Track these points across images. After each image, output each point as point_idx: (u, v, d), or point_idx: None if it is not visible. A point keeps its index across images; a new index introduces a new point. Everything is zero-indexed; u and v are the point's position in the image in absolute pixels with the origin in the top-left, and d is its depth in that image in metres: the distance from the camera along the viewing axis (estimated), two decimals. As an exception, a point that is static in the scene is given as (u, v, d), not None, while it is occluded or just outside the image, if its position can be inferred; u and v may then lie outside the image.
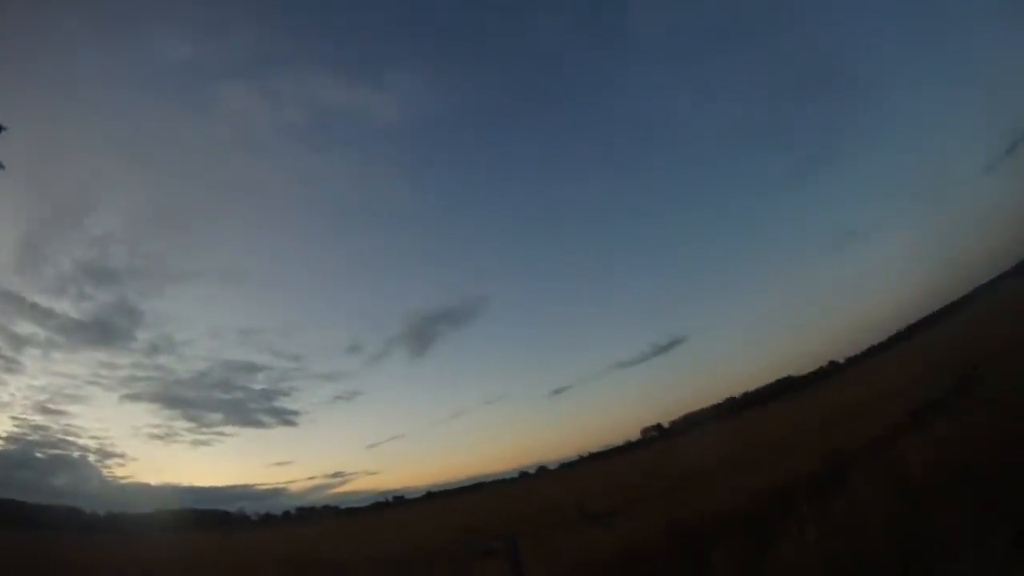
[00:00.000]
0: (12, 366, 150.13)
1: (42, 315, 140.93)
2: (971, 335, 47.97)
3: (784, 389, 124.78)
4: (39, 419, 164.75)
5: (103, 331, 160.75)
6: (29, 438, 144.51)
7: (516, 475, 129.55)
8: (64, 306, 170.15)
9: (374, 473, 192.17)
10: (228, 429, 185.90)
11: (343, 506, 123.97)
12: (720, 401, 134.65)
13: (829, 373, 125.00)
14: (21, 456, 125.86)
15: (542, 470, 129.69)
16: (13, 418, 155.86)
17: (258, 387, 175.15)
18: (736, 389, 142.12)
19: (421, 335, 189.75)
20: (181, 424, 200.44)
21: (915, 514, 5.85)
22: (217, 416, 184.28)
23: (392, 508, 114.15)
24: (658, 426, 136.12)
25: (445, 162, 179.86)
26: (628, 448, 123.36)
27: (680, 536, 12.60)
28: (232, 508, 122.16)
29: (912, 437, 12.37)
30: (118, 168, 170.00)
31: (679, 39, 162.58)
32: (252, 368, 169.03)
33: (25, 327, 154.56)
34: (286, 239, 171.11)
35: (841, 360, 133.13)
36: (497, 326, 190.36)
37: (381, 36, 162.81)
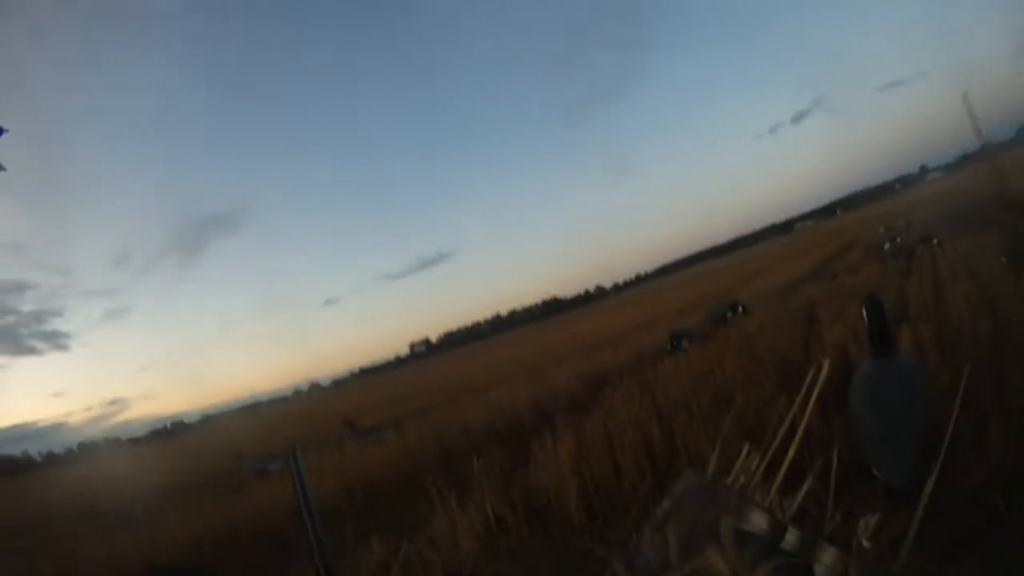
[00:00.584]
0: None
1: None
2: (737, 277, 54.49)
3: (550, 310, 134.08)
4: None
5: None
6: None
7: (290, 393, 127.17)
8: None
9: (151, 397, 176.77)
10: (2, 360, 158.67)
11: (124, 437, 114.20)
12: (488, 318, 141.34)
13: (596, 298, 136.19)
14: None
15: (315, 386, 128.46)
16: None
17: (28, 309, 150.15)
18: (503, 307, 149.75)
19: (191, 244, 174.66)
20: None
21: (665, 431, 6.69)
22: None
23: (171, 434, 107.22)
24: (426, 341, 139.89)
25: (208, 58, 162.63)
26: (398, 363, 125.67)
27: (444, 450, 13.37)
28: (17, 451, 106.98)
29: (667, 361, 13.58)
30: None
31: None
32: (21, 288, 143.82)
33: None
34: (46, 140, 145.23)
35: (608, 286, 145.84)
36: (267, 234, 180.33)
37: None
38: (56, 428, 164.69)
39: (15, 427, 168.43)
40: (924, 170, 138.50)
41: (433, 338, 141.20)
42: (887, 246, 30.55)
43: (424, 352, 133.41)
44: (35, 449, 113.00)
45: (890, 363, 4.34)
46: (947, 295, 10.33)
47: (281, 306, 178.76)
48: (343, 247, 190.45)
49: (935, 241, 23.59)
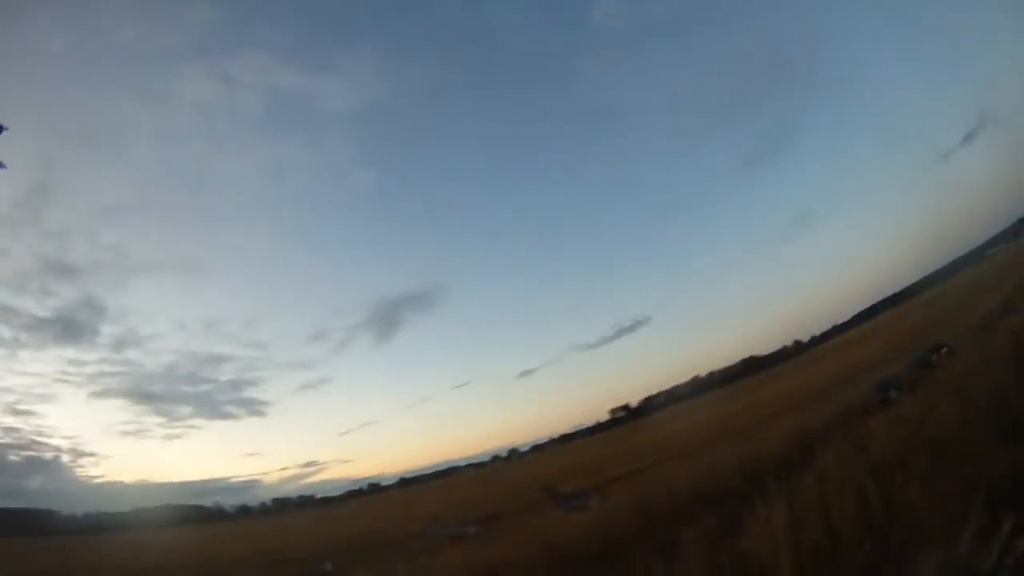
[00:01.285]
0: None
1: (6, 313, 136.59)
2: (931, 316, 49.61)
3: (749, 368, 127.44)
4: (10, 421, 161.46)
5: (68, 327, 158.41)
6: (1, 441, 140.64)
7: (488, 459, 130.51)
8: (27, 303, 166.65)
9: (347, 461, 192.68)
10: (198, 422, 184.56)
11: (318, 495, 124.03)
12: (686, 381, 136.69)
13: (793, 353, 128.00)
14: None
15: (513, 452, 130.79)
16: None
17: (225, 378, 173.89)
18: (701, 369, 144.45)
19: (386, 321, 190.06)
20: (152, 419, 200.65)
21: (884, 493, 5.89)
22: (187, 409, 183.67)
23: (366, 496, 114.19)
24: (626, 406, 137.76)
25: (403, 148, 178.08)
26: (597, 429, 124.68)
27: (650, 517, 12.71)
28: (208, 502, 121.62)
29: (877, 415, 12.59)
30: (73, 159, 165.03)
31: (639, 22, 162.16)
32: (219, 359, 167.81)
33: None
34: (246, 228, 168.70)
35: (805, 339, 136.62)
36: (461, 311, 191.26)
37: (333, 21, 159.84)
38: (250, 484, 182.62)
39: (208, 480, 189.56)
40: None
41: (633, 403, 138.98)
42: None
43: (624, 417, 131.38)
44: (228, 502, 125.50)
45: None
46: None
47: (477, 381, 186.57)
48: (538, 321, 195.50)
49: None
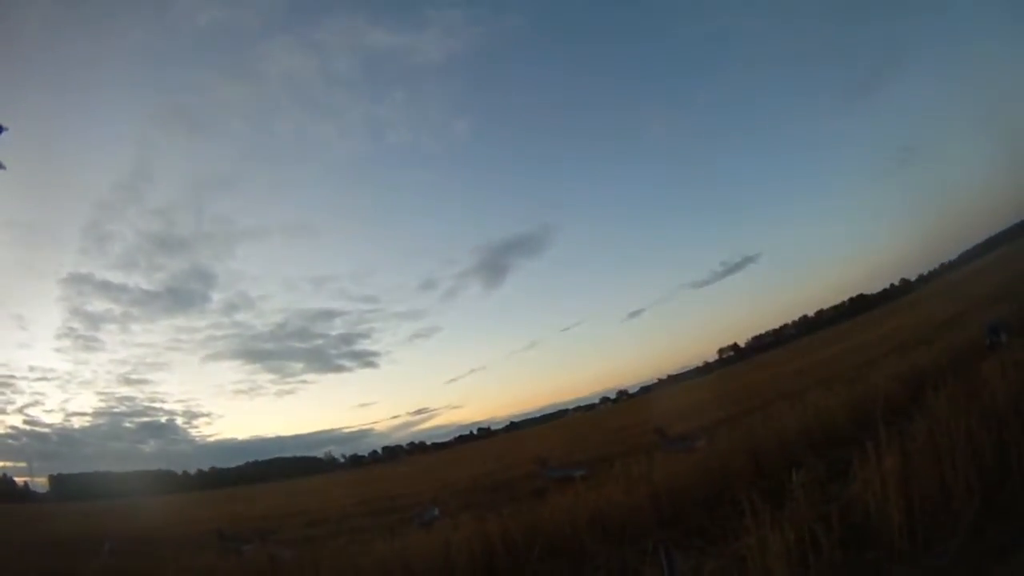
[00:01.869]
0: (91, 344, 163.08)
1: (115, 291, 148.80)
2: None
3: (857, 307, 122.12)
4: (124, 391, 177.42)
5: (178, 298, 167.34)
6: (116, 411, 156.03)
7: (597, 400, 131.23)
8: (136, 279, 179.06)
9: (457, 407, 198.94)
10: (310, 377, 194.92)
11: (428, 441, 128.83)
12: (794, 320, 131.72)
13: (901, 291, 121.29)
14: (110, 429, 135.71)
15: (622, 394, 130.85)
16: (98, 393, 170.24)
17: (336, 333, 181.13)
18: (809, 307, 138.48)
19: (493, 267, 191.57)
20: (264, 377, 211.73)
21: (997, 443, 5.66)
22: (299, 365, 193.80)
23: (476, 440, 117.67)
24: (734, 346, 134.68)
25: (500, 92, 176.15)
26: (706, 369, 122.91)
27: (758, 459, 12.65)
28: (320, 453, 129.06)
29: (988, 359, 11.87)
30: (169, 138, 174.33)
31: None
32: (329, 315, 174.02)
33: (99, 305, 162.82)
34: (348, 186, 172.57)
35: (912, 278, 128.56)
36: (568, 253, 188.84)
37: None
38: (361, 434, 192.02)
39: (320, 432, 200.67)
40: None
41: (741, 343, 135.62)
42: None
43: (732, 357, 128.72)
44: (339, 452, 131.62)
45: None
46: None
47: (585, 323, 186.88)
48: (645, 260, 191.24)
49: None
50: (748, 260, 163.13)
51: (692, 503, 11.15)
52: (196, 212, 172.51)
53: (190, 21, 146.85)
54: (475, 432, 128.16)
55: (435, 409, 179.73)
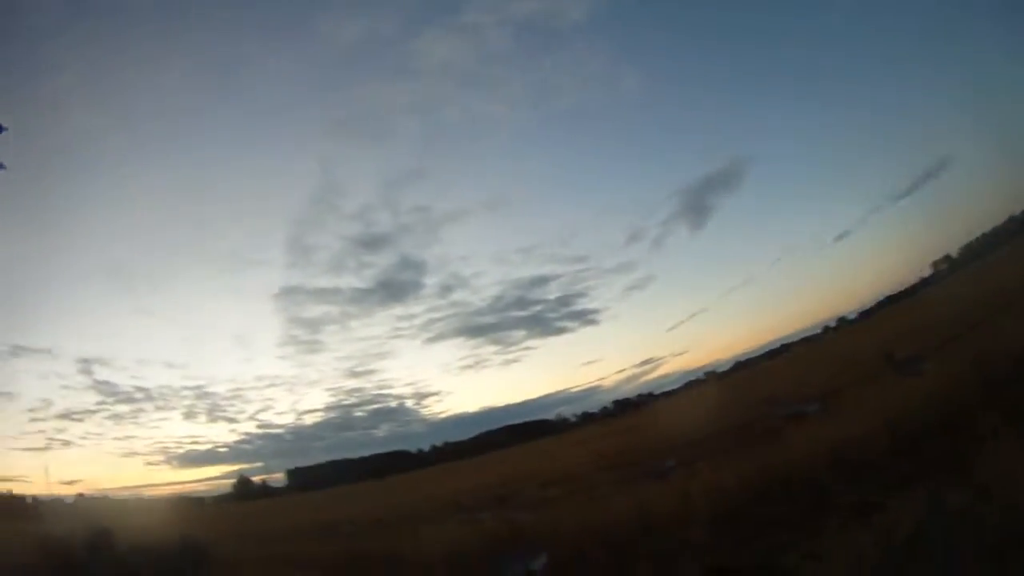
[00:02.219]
0: (314, 347, 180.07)
1: (329, 295, 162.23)
2: None
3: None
4: (351, 383, 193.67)
5: (392, 290, 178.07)
6: (346, 403, 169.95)
7: (820, 330, 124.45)
8: (348, 280, 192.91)
9: (680, 354, 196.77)
10: (533, 343, 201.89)
11: (657, 391, 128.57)
12: (1004, 221, 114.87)
13: None
14: (342, 420, 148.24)
15: (842, 320, 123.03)
16: (327, 390, 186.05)
17: (553, 296, 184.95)
18: (1018, 207, 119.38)
19: (696, 209, 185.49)
20: (488, 350, 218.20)
21: None
22: (520, 333, 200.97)
23: (704, 384, 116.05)
24: (947, 257, 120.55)
25: (669, 34, 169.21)
26: (922, 285, 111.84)
27: (989, 382, 11.96)
28: (551, 416, 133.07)
29: None
30: (348, 149, 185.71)
31: None
32: (543, 280, 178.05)
33: (315, 310, 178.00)
34: (538, 156, 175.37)
35: None
36: (766, 183, 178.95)
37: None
38: (590, 392, 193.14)
39: (548, 395, 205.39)
40: None
41: (953, 253, 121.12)
42: None
43: (946, 271, 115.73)
44: (570, 412, 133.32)
45: None
46: None
47: (794, 248, 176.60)
48: (843, 181, 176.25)
49: None
50: (945, 162, 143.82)
51: (926, 432, 10.95)
52: (392, 208, 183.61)
53: (336, 36, 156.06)
54: (702, 376, 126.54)
55: (660, 358, 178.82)
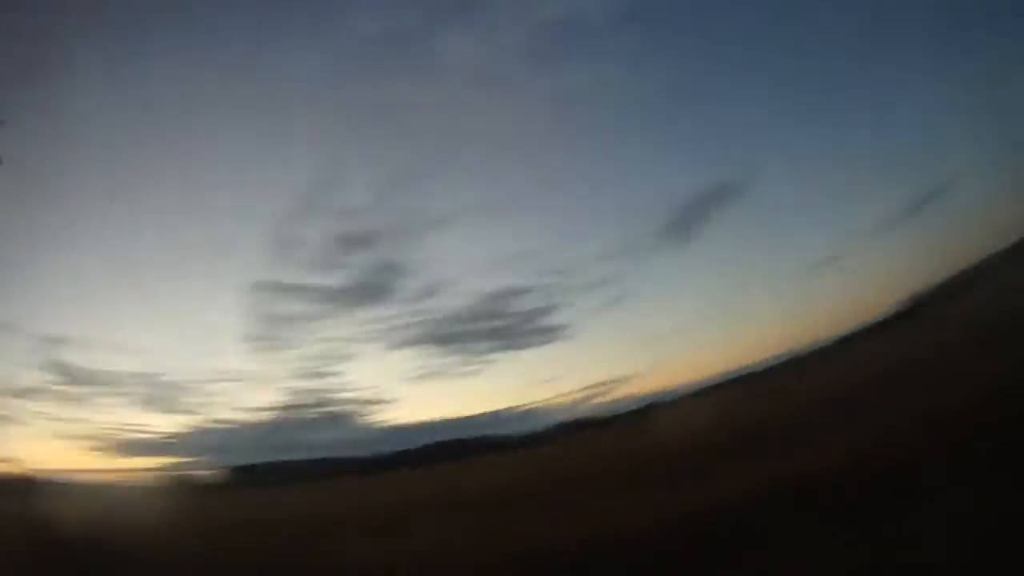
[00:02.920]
0: (277, 343, 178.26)
1: (303, 292, 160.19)
2: None
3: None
4: (308, 384, 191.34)
5: (366, 291, 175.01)
6: (298, 403, 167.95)
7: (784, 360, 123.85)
8: (325, 279, 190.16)
9: (646, 375, 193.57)
10: (496, 356, 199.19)
11: (611, 414, 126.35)
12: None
13: None
14: (293, 421, 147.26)
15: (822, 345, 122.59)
16: (282, 388, 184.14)
17: (523, 309, 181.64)
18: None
19: (681, 226, 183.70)
20: (449, 360, 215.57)
21: None
22: (484, 345, 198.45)
23: (668, 409, 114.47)
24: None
25: (672, 47, 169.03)
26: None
27: None
28: (504, 431, 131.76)
29: None
30: (345, 147, 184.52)
31: None
32: (516, 292, 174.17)
33: (286, 307, 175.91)
34: (528, 162, 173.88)
35: None
36: (755, 206, 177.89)
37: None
38: (543, 410, 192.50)
39: (504, 410, 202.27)
40: None
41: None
42: None
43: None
44: (520, 429, 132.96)
45: None
46: None
47: (777, 272, 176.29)
48: (834, 204, 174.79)
49: None
50: (940, 190, 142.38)
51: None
52: (382, 208, 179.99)
53: (353, 32, 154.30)
54: (665, 400, 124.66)
55: (624, 378, 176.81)
